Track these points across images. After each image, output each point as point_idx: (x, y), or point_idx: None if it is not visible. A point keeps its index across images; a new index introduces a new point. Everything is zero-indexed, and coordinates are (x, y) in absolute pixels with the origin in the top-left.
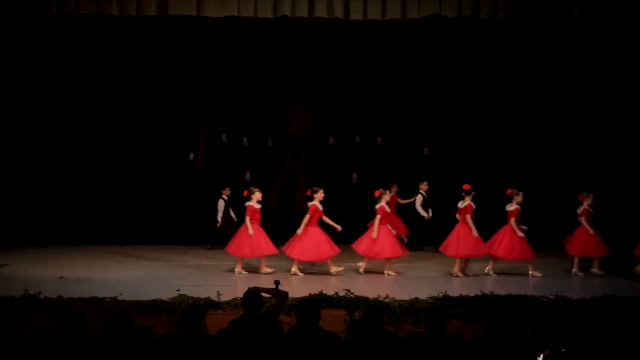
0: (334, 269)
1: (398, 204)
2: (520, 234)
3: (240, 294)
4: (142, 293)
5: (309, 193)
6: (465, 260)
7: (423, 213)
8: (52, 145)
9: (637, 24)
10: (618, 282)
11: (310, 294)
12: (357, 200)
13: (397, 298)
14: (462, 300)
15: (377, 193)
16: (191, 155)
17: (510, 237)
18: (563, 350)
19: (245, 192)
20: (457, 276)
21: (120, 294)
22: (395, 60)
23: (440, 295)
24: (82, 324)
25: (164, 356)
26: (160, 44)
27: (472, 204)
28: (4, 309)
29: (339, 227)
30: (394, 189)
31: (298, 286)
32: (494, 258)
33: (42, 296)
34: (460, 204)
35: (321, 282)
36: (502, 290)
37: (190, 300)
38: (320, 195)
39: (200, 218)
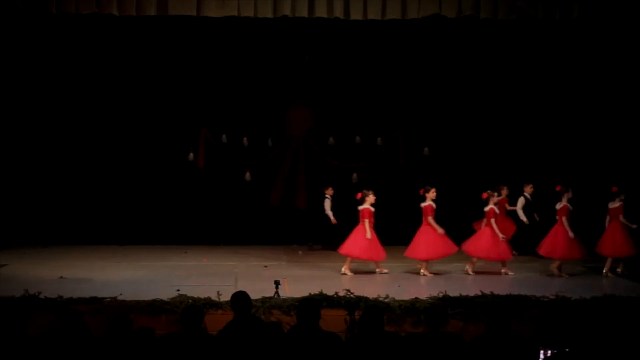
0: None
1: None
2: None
3: None
4: (142, 293)
5: (421, 193)
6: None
7: (523, 217)
8: (52, 145)
9: (637, 24)
10: (618, 282)
11: (310, 294)
12: (357, 200)
13: (397, 298)
14: (462, 300)
15: (484, 195)
16: (191, 155)
17: (612, 234)
18: (566, 350)
19: (359, 195)
20: (562, 276)
21: (120, 294)
22: (395, 60)
23: (440, 295)
24: (82, 324)
25: (164, 356)
26: (160, 44)
27: (569, 205)
28: (4, 309)
29: (441, 230)
30: (504, 191)
31: (298, 286)
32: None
33: (42, 296)
34: (558, 206)
35: (321, 282)
36: (502, 290)
37: (190, 300)
38: (432, 194)
39: (202, 217)
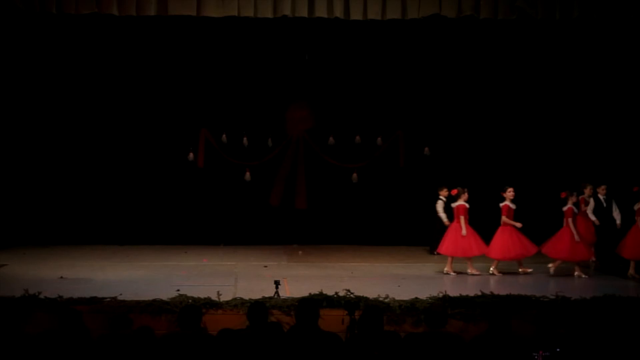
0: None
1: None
2: None
3: (240, 293)
4: (142, 293)
5: (502, 194)
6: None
7: (593, 218)
8: (52, 145)
9: (637, 24)
10: (618, 282)
11: (310, 294)
12: (357, 200)
13: (397, 298)
14: (462, 300)
15: (563, 194)
16: (191, 155)
17: None
18: (558, 350)
19: (455, 192)
20: (635, 278)
21: (120, 294)
22: (395, 59)
23: (440, 295)
24: (81, 324)
25: (164, 356)
26: (160, 44)
27: None
28: (4, 309)
29: (519, 224)
30: (588, 190)
31: (298, 286)
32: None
33: (42, 296)
34: (637, 206)
35: (321, 282)
36: (502, 290)
37: (190, 300)
38: (509, 194)
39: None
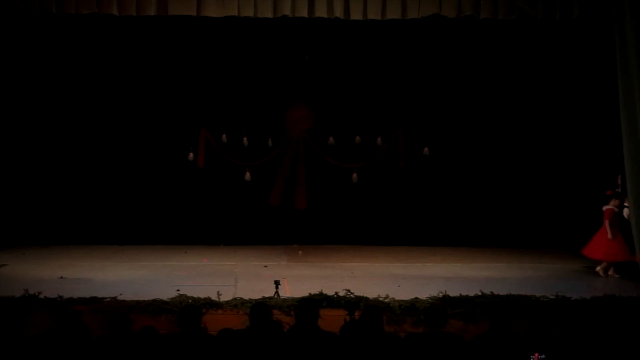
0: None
1: None
2: None
3: (240, 293)
4: (142, 293)
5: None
6: None
7: None
8: (52, 145)
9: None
10: (618, 282)
11: (310, 294)
12: (357, 200)
13: (397, 298)
14: (462, 300)
15: None
16: (191, 155)
17: None
18: (565, 351)
19: (609, 193)
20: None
21: (120, 294)
22: (395, 59)
23: (440, 295)
24: (81, 324)
25: (164, 356)
26: (160, 44)
27: None
28: (4, 309)
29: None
30: None
31: (298, 286)
32: None
33: (42, 296)
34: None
35: (321, 282)
36: (502, 290)
37: (190, 300)
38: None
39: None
